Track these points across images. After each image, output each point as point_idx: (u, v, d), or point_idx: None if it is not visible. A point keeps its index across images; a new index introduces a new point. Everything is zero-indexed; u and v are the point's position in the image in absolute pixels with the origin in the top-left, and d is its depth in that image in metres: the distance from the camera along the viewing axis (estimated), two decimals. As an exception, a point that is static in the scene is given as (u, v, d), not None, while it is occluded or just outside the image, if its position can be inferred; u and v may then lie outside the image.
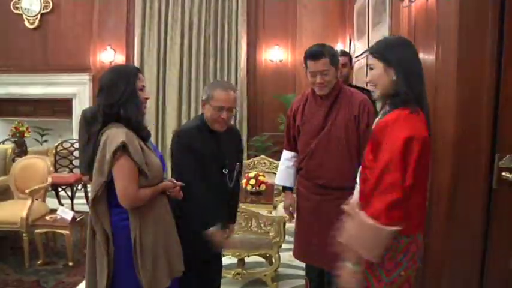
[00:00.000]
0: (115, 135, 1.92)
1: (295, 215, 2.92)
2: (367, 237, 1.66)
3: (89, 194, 2.09)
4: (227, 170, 2.45)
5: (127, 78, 2.00)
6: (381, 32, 4.36)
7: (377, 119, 1.93)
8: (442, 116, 2.63)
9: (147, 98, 2.11)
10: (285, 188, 2.98)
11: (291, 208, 2.92)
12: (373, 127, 1.93)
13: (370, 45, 4.85)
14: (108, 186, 1.96)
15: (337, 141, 2.61)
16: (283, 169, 2.97)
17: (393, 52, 1.80)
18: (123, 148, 1.89)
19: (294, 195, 2.97)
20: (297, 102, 2.86)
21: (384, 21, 4.25)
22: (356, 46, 5.79)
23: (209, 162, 2.36)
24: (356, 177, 2.41)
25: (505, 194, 2.35)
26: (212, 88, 2.43)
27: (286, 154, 2.96)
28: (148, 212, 2.01)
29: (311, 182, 2.74)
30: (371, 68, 1.87)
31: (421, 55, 3.18)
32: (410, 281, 1.82)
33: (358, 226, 1.68)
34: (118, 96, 1.96)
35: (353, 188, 2.52)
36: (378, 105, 2.01)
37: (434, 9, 2.90)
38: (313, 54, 2.59)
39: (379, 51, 1.84)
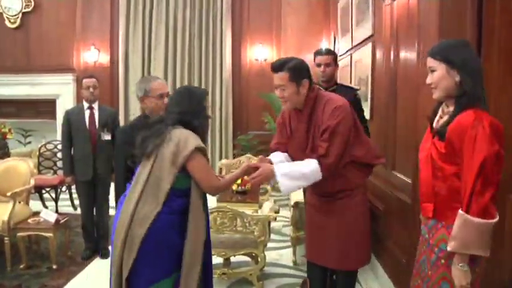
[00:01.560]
0: (191, 136, 2.22)
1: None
2: (478, 235, 1.69)
3: (138, 178, 2.26)
4: None
5: (199, 95, 2.38)
6: (365, 30, 4.38)
7: (443, 119, 1.90)
8: (424, 112, 2.64)
9: (209, 117, 2.45)
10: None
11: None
12: (436, 126, 1.91)
13: (353, 43, 4.90)
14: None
15: (317, 154, 2.47)
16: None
17: (456, 53, 1.81)
18: (200, 150, 2.20)
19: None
20: (285, 112, 2.72)
21: (367, 19, 4.26)
22: (340, 44, 5.80)
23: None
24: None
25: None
26: (145, 83, 2.76)
27: (274, 155, 2.71)
28: (200, 220, 2.27)
29: (313, 191, 2.70)
30: (432, 71, 1.87)
31: (402, 53, 3.23)
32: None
33: (467, 227, 1.70)
34: (194, 106, 2.32)
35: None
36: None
37: (416, 8, 2.93)
38: (272, 66, 2.48)
39: (441, 53, 1.84)
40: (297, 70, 2.44)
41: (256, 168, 2.43)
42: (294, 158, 2.63)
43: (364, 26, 4.43)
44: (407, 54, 3.12)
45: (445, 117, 1.87)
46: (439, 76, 1.83)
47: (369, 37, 4.23)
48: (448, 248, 1.75)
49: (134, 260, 2.10)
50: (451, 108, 1.85)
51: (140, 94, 2.75)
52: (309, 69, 2.52)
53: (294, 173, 2.41)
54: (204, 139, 2.32)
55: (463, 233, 1.70)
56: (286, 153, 2.69)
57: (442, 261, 1.81)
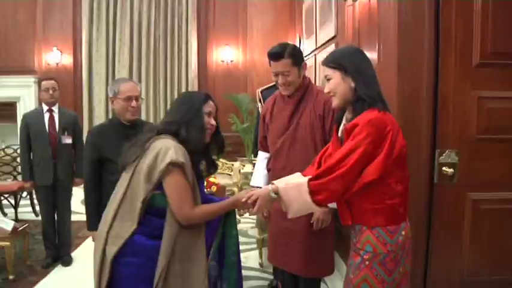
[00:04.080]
0: (172, 147, 1.88)
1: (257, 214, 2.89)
2: (298, 204, 1.82)
3: (116, 193, 2.01)
4: None
5: (193, 101, 2.04)
6: (328, 31, 4.41)
7: (342, 126, 1.95)
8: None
9: (212, 125, 2.07)
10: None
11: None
12: (340, 132, 1.95)
13: (317, 44, 4.93)
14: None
15: (302, 141, 2.57)
16: (257, 170, 2.93)
17: (348, 60, 1.85)
18: (180, 165, 1.86)
19: None
20: (268, 102, 2.82)
21: (330, 20, 4.29)
22: (305, 45, 5.83)
23: (117, 154, 2.33)
24: None
25: (445, 188, 2.42)
26: (116, 84, 2.72)
27: (261, 155, 2.91)
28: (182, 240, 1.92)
29: None
30: (328, 79, 1.90)
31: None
32: (407, 275, 1.89)
33: (298, 191, 1.81)
34: (180, 115, 1.98)
35: None
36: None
37: (376, 9, 2.95)
38: (273, 55, 2.53)
39: (334, 61, 1.88)
40: (296, 55, 2.54)
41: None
42: (272, 142, 2.69)
43: (327, 27, 4.46)
44: (369, 55, 3.13)
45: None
46: (335, 83, 1.88)
47: (332, 38, 4.26)
48: (275, 181, 1.91)
49: (108, 282, 1.89)
50: (352, 114, 1.87)
51: (110, 95, 2.73)
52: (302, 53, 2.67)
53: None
54: (195, 154, 1.98)
55: (291, 192, 1.84)
56: (267, 153, 2.82)
57: (367, 262, 1.82)
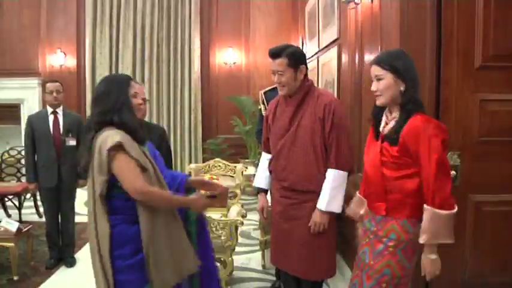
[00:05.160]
0: (109, 135, 1.96)
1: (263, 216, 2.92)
2: (445, 225, 1.83)
3: (88, 197, 2.07)
4: None
5: (120, 86, 2.09)
6: (331, 34, 4.42)
7: (389, 125, 1.98)
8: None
9: (140, 104, 2.20)
10: (260, 190, 2.95)
11: (264, 211, 2.90)
12: (384, 132, 2.00)
13: (320, 46, 4.94)
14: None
15: (302, 143, 2.58)
16: (260, 171, 2.95)
17: (401, 63, 1.92)
18: (118, 146, 1.93)
19: (268, 198, 2.95)
20: (272, 103, 2.84)
21: (333, 23, 4.30)
22: (308, 47, 5.84)
23: None
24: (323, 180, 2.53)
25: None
26: None
27: (264, 156, 2.93)
28: (157, 217, 2.01)
29: (279, 185, 2.72)
30: (379, 79, 1.95)
31: (367, 56, 3.27)
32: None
33: (435, 220, 1.82)
34: (111, 104, 2.04)
35: (318, 192, 2.54)
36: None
37: (378, 12, 2.96)
38: (271, 53, 2.57)
39: (388, 62, 1.93)
40: (295, 56, 2.55)
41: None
42: (273, 143, 2.71)
43: (330, 29, 4.48)
44: (371, 57, 3.16)
45: (391, 123, 1.96)
46: (386, 84, 1.93)
47: (335, 40, 4.28)
48: (420, 241, 1.87)
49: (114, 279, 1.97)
50: (395, 114, 1.96)
51: None
52: (305, 56, 2.67)
53: (331, 194, 2.52)
54: (136, 133, 2.06)
55: (432, 226, 1.82)
56: (270, 154, 2.83)
57: (390, 249, 1.94)
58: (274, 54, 2.56)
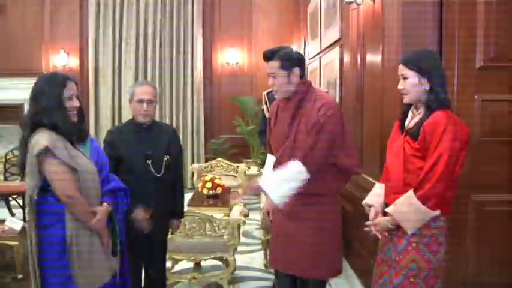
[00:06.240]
0: (38, 140, 1.97)
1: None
2: (416, 217, 1.91)
3: (26, 196, 2.12)
4: (150, 161, 2.68)
5: (52, 88, 2.07)
6: (333, 34, 4.44)
7: (414, 120, 2.04)
8: (389, 115, 2.70)
9: (75, 106, 2.14)
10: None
11: (270, 213, 2.81)
12: (409, 126, 2.04)
13: (322, 46, 4.96)
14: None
15: (302, 149, 2.46)
16: (265, 172, 2.87)
17: (427, 63, 1.98)
18: (46, 151, 1.95)
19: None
20: (274, 106, 2.76)
21: (335, 23, 4.32)
22: (310, 48, 5.86)
23: (131, 153, 2.65)
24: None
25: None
26: (132, 88, 2.79)
27: (270, 157, 2.83)
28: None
29: None
30: (405, 78, 2.01)
31: (368, 56, 3.28)
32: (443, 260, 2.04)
33: (409, 207, 1.92)
34: (42, 106, 2.03)
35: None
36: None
37: (380, 12, 2.98)
38: (264, 55, 2.53)
39: (415, 63, 1.98)
40: (287, 58, 2.48)
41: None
42: (274, 149, 2.68)
43: (332, 29, 4.49)
44: (373, 58, 3.18)
45: (416, 119, 2.02)
46: (411, 84, 1.99)
47: (337, 41, 4.29)
48: (386, 209, 2.02)
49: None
50: (421, 110, 2.02)
51: (128, 98, 2.83)
52: (301, 58, 2.58)
53: (278, 178, 2.45)
54: (68, 134, 2.07)
55: (403, 208, 1.94)
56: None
57: (414, 245, 1.98)
58: (267, 56, 2.50)
